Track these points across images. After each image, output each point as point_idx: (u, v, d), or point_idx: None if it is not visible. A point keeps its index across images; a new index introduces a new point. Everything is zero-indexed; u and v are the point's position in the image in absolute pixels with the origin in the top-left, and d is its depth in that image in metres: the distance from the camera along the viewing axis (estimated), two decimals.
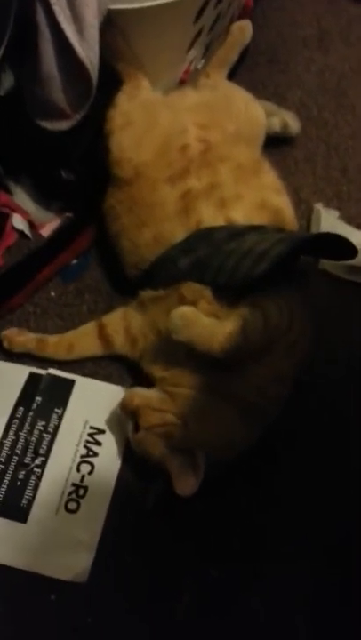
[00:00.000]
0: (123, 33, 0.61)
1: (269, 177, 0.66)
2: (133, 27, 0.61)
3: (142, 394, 0.59)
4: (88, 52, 0.55)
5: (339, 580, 0.58)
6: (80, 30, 0.54)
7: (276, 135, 0.80)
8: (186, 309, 0.54)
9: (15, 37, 0.53)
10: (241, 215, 0.61)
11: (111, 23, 0.57)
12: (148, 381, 0.62)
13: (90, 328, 0.67)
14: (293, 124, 0.82)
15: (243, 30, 0.77)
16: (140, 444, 0.57)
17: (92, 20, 0.54)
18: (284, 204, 0.65)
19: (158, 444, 0.56)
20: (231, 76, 0.80)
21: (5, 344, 0.66)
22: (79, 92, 0.59)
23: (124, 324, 0.65)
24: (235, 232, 0.59)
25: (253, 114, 0.71)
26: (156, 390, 0.59)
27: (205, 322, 0.53)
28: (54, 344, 0.66)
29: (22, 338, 0.66)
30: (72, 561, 0.57)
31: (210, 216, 0.60)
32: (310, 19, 0.97)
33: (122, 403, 0.59)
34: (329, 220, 0.78)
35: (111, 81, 0.63)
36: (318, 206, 0.79)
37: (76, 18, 0.54)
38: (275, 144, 0.80)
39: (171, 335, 0.53)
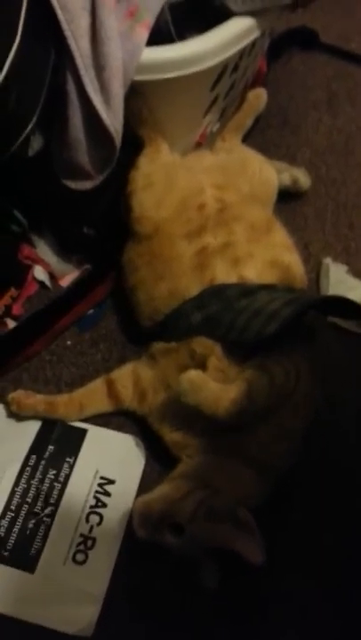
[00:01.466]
0: (145, 101, 0.64)
1: (280, 235, 0.68)
2: (155, 95, 0.65)
3: (156, 497, 0.55)
4: (113, 120, 0.59)
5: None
6: (107, 100, 0.58)
7: (287, 190, 0.83)
8: (194, 374, 0.55)
9: (46, 104, 0.56)
10: (253, 273, 0.63)
11: (135, 92, 0.61)
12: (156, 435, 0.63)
13: (98, 385, 0.66)
14: (304, 179, 0.85)
15: (258, 98, 0.81)
16: (196, 538, 0.54)
17: (118, 91, 0.58)
18: (294, 261, 0.67)
19: (207, 526, 0.54)
20: (245, 137, 0.83)
21: (14, 408, 0.64)
22: (103, 156, 0.62)
23: (133, 378, 0.65)
24: (246, 290, 0.61)
25: (267, 176, 0.74)
26: (164, 484, 0.57)
27: (212, 386, 0.54)
28: (65, 405, 0.65)
29: (31, 400, 0.65)
30: (78, 614, 0.56)
31: (223, 273, 0.62)
32: (320, 82, 1.02)
33: (141, 518, 0.54)
34: (338, 274, 0.80)
35: (132, 144, 0.66)
36: (327, 261, 0.81)
37: (104, 88, 0.57)
38: (286, 201, 0.83)
39: (179, 398, 0.54)
